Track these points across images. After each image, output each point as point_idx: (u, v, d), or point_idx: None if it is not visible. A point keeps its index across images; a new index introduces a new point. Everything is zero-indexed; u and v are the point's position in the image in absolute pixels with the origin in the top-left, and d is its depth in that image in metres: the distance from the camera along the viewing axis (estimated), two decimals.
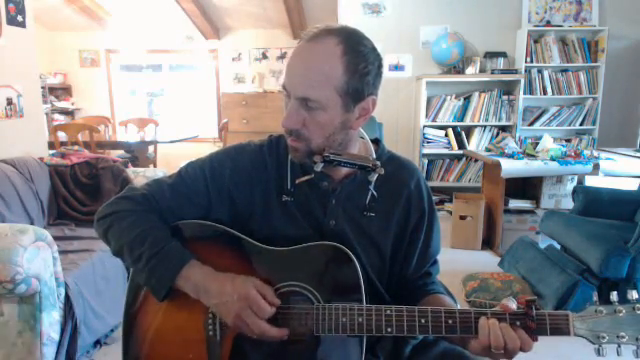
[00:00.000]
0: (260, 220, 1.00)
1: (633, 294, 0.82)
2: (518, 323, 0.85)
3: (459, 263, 3.22)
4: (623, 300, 0.84)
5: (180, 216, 1.01)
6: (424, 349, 1.05)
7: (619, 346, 0.83)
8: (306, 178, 0.98)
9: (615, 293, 0.84)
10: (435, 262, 1.11)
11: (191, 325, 0.95)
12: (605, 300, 0.85)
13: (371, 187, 1.00)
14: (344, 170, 1.00)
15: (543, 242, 3.12)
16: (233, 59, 6.29)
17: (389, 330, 0.88)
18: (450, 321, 0.87)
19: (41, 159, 2.87)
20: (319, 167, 0.94)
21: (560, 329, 0.85)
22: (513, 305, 0.86)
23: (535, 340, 0.85)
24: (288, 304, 0.93)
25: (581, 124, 4.57)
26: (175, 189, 1.00)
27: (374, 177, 0.97)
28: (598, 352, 0.84)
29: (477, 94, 4.52)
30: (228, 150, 1.06)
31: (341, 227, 0.99)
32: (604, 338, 0.83)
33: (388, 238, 1.03)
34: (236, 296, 0.88)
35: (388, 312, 0.88)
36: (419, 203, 1.05)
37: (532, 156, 3.41)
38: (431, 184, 4.67)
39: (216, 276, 0.91)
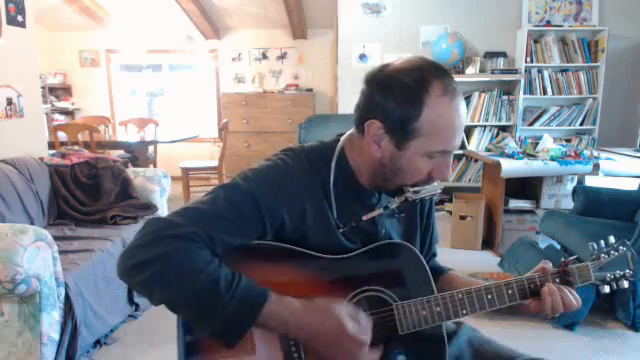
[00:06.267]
0: (315, 243, 0.94)
1: (610, 239, 1.03)
2: (557, 280, 0.97)
3: (459, 263, 3.21)
4: (607, 246, 1.03)
5: (229, 246, 0.88)
6: (451, 336, 1.10)
7: (615, 282, 1.02)
8: (376, 213, 0.97)
9: (602, 242, 1.03)
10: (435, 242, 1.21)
11: (268, 349, 0.89)
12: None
13: None
14: None
15: (543, 242, 3.12)
16: (233, 59, 6.29)
17: (464, 312, 0.94)
18: (510, 291, 0.95)
19: (41, 159, 2.87)
20: (394, 204, 0.96)
21: (586, 278, 0.99)
22: (549, 265, 0.99)
23: None
24: (368, 309, 0.93)
25: (581, 124, 4.57)
26: (226, 218, 0.87)
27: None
28: (610, 288, 1.01)
29: (477, 94, 4.52)
30: (272, 169, 0.95)
31: (389, 232, 1.03)
32: (608, 278, 1.01)
33: (416, 233, 1.10)
34: (333, 329, 0.84)
35: (460, 296, 0.94)
36: None
37: (532, 156, 3.41)
38: None
39: (303, 308, 0.85)
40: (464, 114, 0.89)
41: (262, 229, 0.90)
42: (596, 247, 1.03)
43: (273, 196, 0.91)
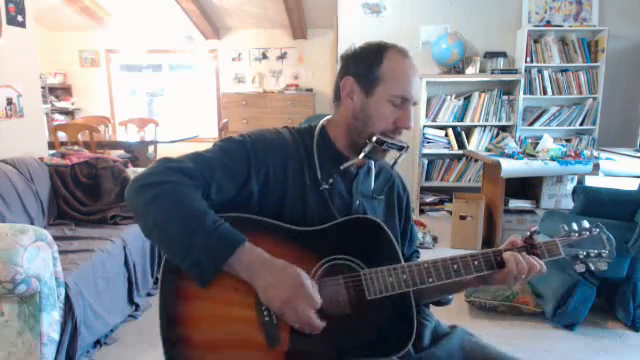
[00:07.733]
0: (293, 203, 1.05)
1: (584, 223, 1.08)
2: (524, 253, 1.04)
3: None
4: (580, 227, 1.08)
5: (221, 191, 1.01)
6: (442, 338, 1.16)
7: (591, 262, 1.06)
8: (355, 161, 1.09)
9: (575, 225, 1.09)
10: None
11: (242, 311, 0.95)
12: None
13: (372, 173, 1.16)
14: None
15: None
16: (233, 59, 6.29)
17: (430, 280, 1.00)
18: (476, 262, 1.02)
19: (41, 159, 2.87)
20: (367, 148, 1.05)
21: (554, 253, 1.06)
22: (519, 239, 1.06)
23: None
24: (337, 276, 1.00)
25: (581, 124, 4.57)
26: (220, 162, 1.02)
27: (403, 157, 1.10)
28: (585, 267, 1.06)
29: (477, 94, 4.52)
30: (264, 131, 1.11)
31: (363, 206, 1.13)
32: (581, 255, 1.07)
33: (394, 221, 1.18)
34: (291, 282, 0.91)
35: (426, 265, 1.01)
36: (404, 187, 1.24)
37: (532, 156, 3.41)
38: (431, 184, 4.67)
39: (272, 259, 0.94)
40: (417, 76, 1.08)
41: (247, 176, 1.03)
42: (567, 228, 1.09)
43: (261, 149, 1.05)
